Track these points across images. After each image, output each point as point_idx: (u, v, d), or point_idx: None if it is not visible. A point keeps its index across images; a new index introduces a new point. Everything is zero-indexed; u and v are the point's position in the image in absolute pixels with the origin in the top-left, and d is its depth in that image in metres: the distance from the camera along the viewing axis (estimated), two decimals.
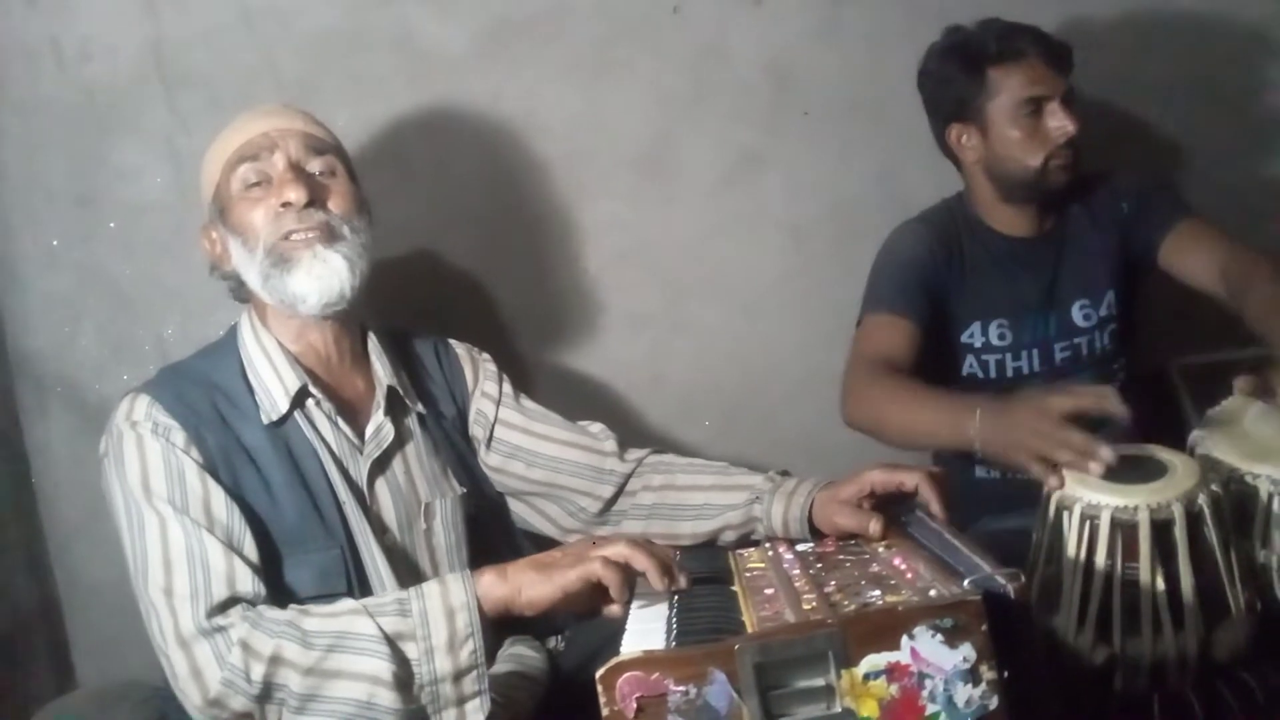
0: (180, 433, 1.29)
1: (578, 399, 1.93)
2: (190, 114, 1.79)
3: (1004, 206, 1.80)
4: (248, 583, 1.22)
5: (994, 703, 0.89)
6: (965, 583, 0.97)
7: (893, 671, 0.90)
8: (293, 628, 1.17)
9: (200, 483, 1.27)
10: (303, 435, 1.36)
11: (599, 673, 0.90)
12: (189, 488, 1.26)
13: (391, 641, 1.15)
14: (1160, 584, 1.14)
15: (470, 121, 1.89)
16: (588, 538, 1.48)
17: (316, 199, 1.37)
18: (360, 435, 1.40)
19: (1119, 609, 1.15)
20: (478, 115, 1.89)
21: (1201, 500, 1.15)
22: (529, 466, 1.54)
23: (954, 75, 1.75)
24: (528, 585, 1.18)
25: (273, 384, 1.37)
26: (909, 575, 1.09)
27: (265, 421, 1.34)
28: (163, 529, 1.23)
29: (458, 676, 1.16)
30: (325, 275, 1.35)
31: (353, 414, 1.41)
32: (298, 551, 1.30)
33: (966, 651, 0.89)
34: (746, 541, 1.45)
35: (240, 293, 1.44)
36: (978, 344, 1.81)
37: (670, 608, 1.13)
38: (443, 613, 1.16)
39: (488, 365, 1.60)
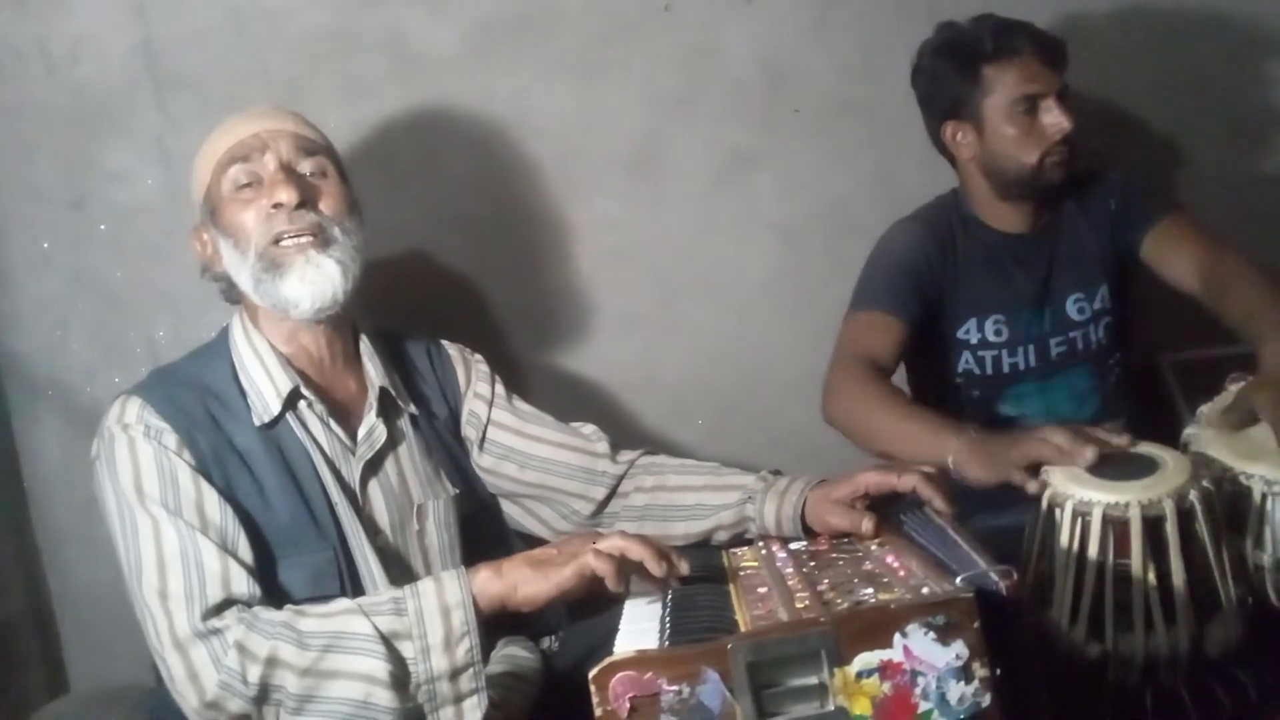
0: (172, 435, 1.29)
1: (570, 399, 1.93)
2: (180, 116, 1.78)
3: (999, 203, 1.80)
4: (243, 584, 1.22)
5: (987, 700, 0.90)
6: (957, 580, 0.98)
7: (885, 669, 0.90)
8: (288, 629, 1.17)
9: (193, 485, 1.26)
10: (295, 437, 1.36)
11: (592, 673, 0.90)
12: (182, 490, 1.26)
13: (387, 640, 1.15)
14: (1152, 580, 1.14)
15: (461, 122, 1.89)
16: (585, 532, 1.48)
17: (308, 200, 1.37)
18: (352, 437, 1.40)
19: (1111, 605, 1.15)
20: (469, 115, 1.89)
21: (1193, 496, 1.15)
22: (521, 468, 1.54)
23: (948, 73, 1.75)
24: (523, 582, 1.18)
25: (264, 386, 1.36)
26: (902, 573, 1.09)
27: (257, 423, 1.34)
28: (156, 532, 1.23)
29: (454, 674, 1.16)
30: (318, 280, 1.35)
31: (345, 415, 1.41)
32: (291, 553, 1.30)
33: (959, 649, 0.90)
34: (740, 541, 1.45)
35: (231, 294, 1.44)
36: (974, 340, 1.81)
37: (664, 607, 1.13)
38: (438, 610, 1.17)
39: (480, 366, 1.59)
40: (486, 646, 1.20)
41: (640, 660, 0.90)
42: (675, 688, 0.90)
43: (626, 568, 1.18)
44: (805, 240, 2.03)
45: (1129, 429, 1.34)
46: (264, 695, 1.16)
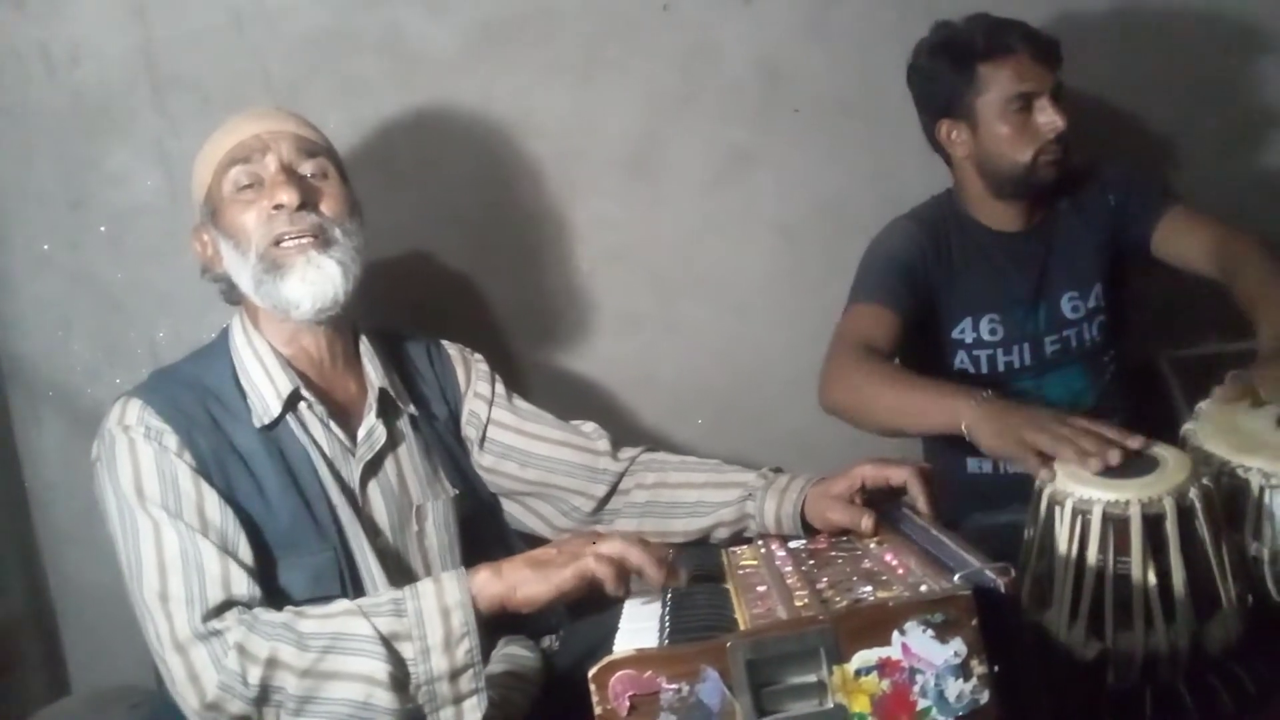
0: (173, 436, 1.29)
1: (570, 398, 1.93)
2: (180, 117, 1.79)
3: (993, 202, 1.80)
4: (243, 586, 1.22)
5: (985, 697, 0.90)
6: (956, 578, 0.98)
7: (884, 667, 0.90)
8: (288, 630, 1.17)
9: (193, 486, 1.27)
10: (295, 438, 1.36)
11: (591, 672, 0.90)
12: (182, 492, 1.26)
13: (387, 641, 1.15)
14: (1152, 578, 1.14)
15: (461, 122, 1.89)
16: (584, 533, 1.48)
17: (308, 201, 1.37)
18: (352, 437, 1.40)
19: (1111, 603, 1.15)
20: (468, 115, 1.89)
21: (1193, 494, 1.15)
22: (522, 467, 1.54)
23: (943, 71, 1.75)
24: (523, 583, 1.18)
25: (265, 387, 1.37)
26: (900, 571, 1.10)
27: (257, 425, 1.34)
28: (157, 533, 1.23)
29: (454, 675, 1.16)
30: (319, 281, 1.35)
31: (345, 416, 1.41)
32: (291, 554, 1.30)
33: (957, 646, 0.90)
34: (739, 539, 1.45)
35: (232, 295, 1.44)
36: (969, 339, 1.81)
37: (663, 606, 1.13)
38: (438, 611, 1.17)
39: (480, 366, 1.60)
40: (486, 647, 1.21)
41: (640, 659, 0.90)
42: (675, 686, 0.90)
43: (625, 571, 1.18)
44: (804, 239, 2.04)
45: (1124, 425, 1.34)
46: (264, 696, 1.16)
